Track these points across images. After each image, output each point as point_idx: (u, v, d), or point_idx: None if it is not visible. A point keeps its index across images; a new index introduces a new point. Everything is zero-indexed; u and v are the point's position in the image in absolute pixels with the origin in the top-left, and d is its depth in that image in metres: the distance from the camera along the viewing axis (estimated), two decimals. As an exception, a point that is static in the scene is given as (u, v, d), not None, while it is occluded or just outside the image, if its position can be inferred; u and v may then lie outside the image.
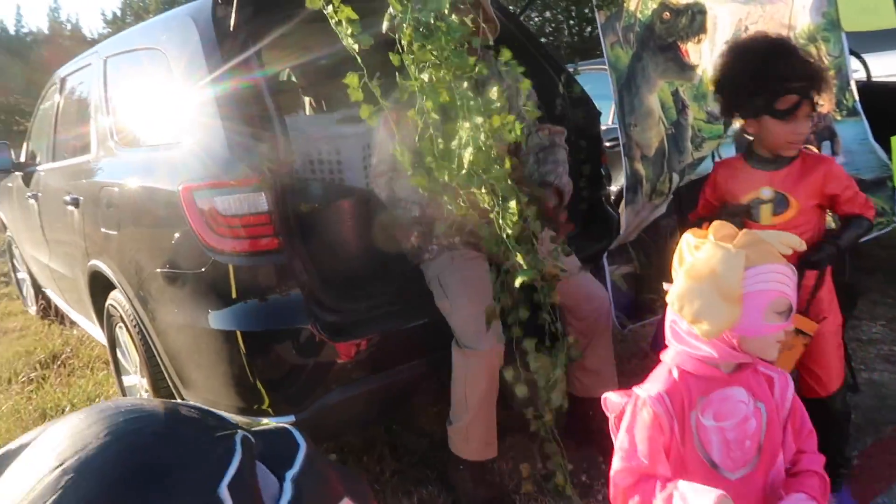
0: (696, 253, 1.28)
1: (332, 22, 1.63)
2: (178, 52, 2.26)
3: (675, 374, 1.33)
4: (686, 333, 1.30)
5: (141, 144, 2.59)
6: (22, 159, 4.26)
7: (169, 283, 2.20)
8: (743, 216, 2.00)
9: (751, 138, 2.08)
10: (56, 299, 4.27)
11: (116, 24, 28.28)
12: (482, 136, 1.60)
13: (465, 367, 2.10)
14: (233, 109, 2.05)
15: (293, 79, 3.67)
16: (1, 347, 4.45)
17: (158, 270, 2.22)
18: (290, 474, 0.48)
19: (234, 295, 2.04)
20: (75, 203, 2.86)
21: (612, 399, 1.38)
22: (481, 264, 2.19)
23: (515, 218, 1.72)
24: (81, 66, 3.34)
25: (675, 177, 2.91)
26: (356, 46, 1.61)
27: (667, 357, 1.37)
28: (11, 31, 30.88)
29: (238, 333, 2.03)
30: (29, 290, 5.11)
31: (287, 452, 0.50)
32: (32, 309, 5.08)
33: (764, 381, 1.38)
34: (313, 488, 0.49)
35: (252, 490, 0.45)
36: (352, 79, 1.63)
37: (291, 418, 2.02)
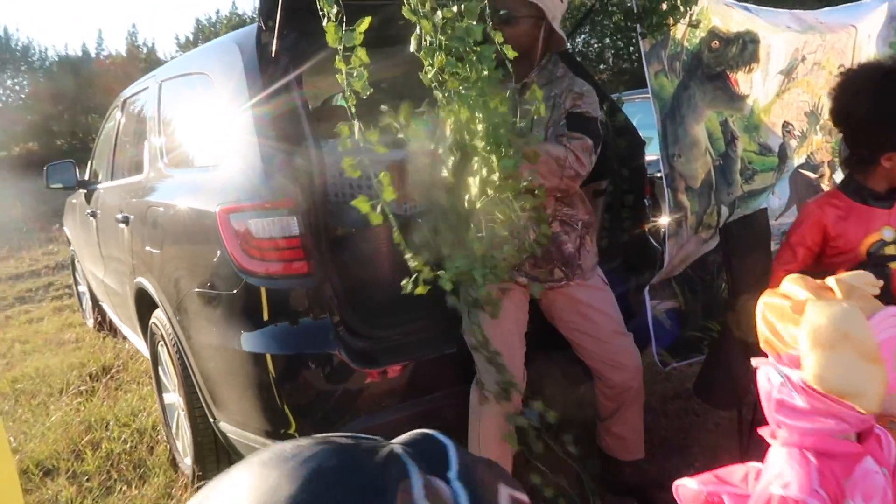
0: (814, 318, 1.11)
1: (339, 58, 1.61)
2: (224, 77, 2.32)
3: (813, 459, 1.13)
4: (811, 409, 1.13)
5: (187, 166, 2.66)
6: (86, 177, 4.45)
7: (204, 303, 2.23)
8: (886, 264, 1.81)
9: (842, 170, 1.94)
10: (110, 313, 4.41)
11: (189, 48, 29.61)
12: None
13: (480, 410, 2.07)
14: (270, 133, 2.08)
15: (340, 102, 3.73)
16: (57, 358, 4.61)
17: (195, 290, 2.26)
18: (451, 475, 0.48)
19: (265, 317, 2.05)
20: (126, 221, 2.95)
21: (688, 487, 1.22)
22: (518, 300, 2.16)
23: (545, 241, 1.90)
24: (141, 89, 3.47)
25: (724, 210, 2.81)
26: (354, 93, 1.60)
27: (784, 440, 1.17)
28: (92, 53, 32.66)
29: (268, 356, 2.04)
30: (87, 304, 5.31)
31: (438, 454, 0.50)
32: (90, 322, 5.27)
33: (876, 442, 1.21)
34: (478, 482, 0.49)
35: (440, 496, 0.46)
36: (343, 129, 1.63)
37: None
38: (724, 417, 2.73)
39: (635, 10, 2.47)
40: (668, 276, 2.71)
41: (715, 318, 2.83)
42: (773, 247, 3.02)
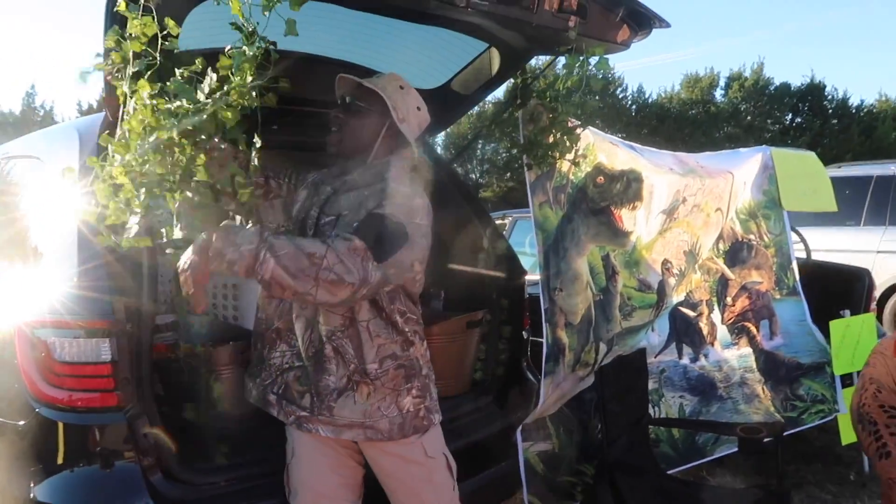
0: None
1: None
2: (55, 164, 2.03)
3: None
4: None
5: (7, 259, 2.30)
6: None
7: (-12, 431, 1.84)
8: None
9: None
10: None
11: (91, 115, 28.42)
12: None
13: None
14: (95, 232, 1.79)
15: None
16: None
17: (-19, 414, 1.87)
18: None
19: (59, 459, 1.69)
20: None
21: None
22: (323, 447, 1.81)
23: None
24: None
25: (603, 347, 2.71)
26: None
27: None
28: (-17, 110, 30.88)
29: (56, 508, 1.67)
30: None
31: None
32: None
33: None
34: None
35: None
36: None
37: None
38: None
39: (521, 141, 2.42)
40: (543, 416, 2.55)
41: (590, 461, 2.67)
42: (651, 385, 2.95)
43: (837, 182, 5.48)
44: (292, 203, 1.92)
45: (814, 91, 24.03)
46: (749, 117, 24.25)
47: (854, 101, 24.20)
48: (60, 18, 45.43)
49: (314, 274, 1.47)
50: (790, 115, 24.62)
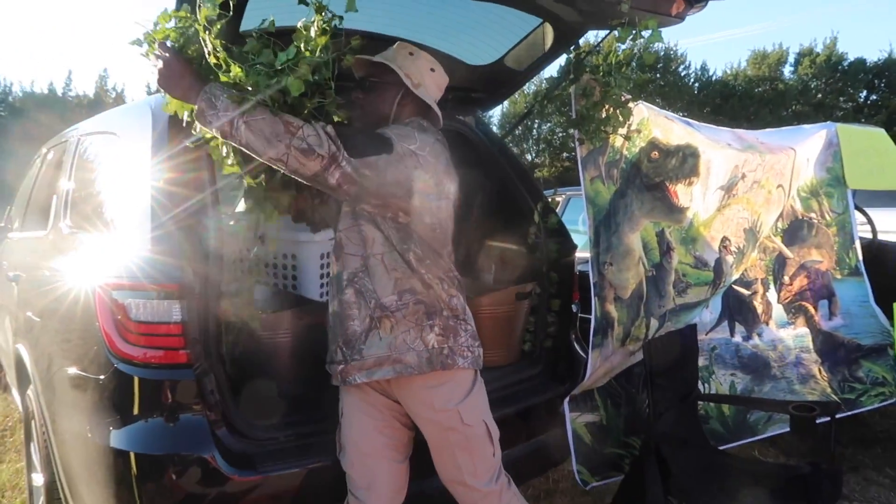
0: None
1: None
2: (130, 140, 2.17)
3: None
4: None
5: (85, 229, 2.46)
6: (1, 223, 4.18)
7: (72, 385, 2.00)
8: None
9: None
10: (6, 368, 4.06)
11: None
12: None
13: None
14: (168, 205, 1.91)
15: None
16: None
17: (65, 369, 2.03)
18: None
19: (135, 410, 1.83)
20: (16, 279, 2.71)
21: None
22: (369, 401, 1.89)
23: None
24: (62, 140, 3.28)
25: (654, 322, 2.72)
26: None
27: None
28: (59, 92, 32.20)
29: (132, 454, 1.80)
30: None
31: None
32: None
33: None
34: None
35: None
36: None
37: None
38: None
39: (574, 116, 2.43)
40: (591, 388, 2.58)
41: (637, 434, 2.69)
42: (701, 363, 2.94)
43: (910, 160, 5.26)
44: None
45: (891, 67, 22.83)
46: (819, 95, 23.25)
47: (935, 77, 22.90)
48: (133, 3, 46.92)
49: (288, 141, 1.62)
50: (865, 93, 23.50)
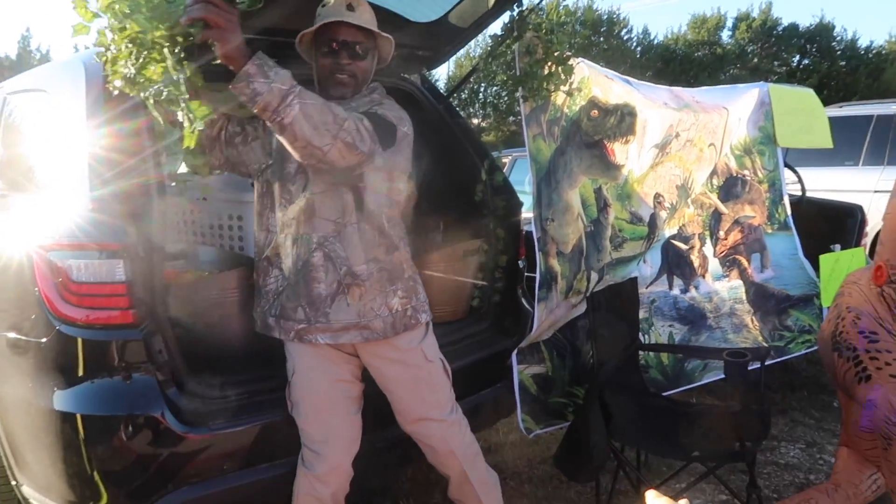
0: None
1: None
2: (62, 97, 2.09)
3: None
4: None
5: (20, 190, 2.38)
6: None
7: (12, 350, 1.95)
8: None
9: None
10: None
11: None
12: None
13: (296, 485, 1.93)
14: (105, 162, 1.86)
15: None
16: None
17: (4, 334, 1.98)
18: None
19: (79, 372, 1.81)
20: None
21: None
22: (323, 357, 1.93)
23: None
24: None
25: (594, 275, 2.81)
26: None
27: None
28: (-23, 54, 30.35)
29: (78, 416, 1.79)
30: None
31: None
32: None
33: None
34: None
35: None
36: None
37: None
38: (588, 485, 2.67)
39: (517, 73, 2.46)
40: (537, 340, 2.66)
41: (581, 384, 2.80)
42: (642, 315, 3.06)
43: (838, 122, 5.49)
44: (269, 141, 1.97)
45: (822, 32, 23.58)
46: (756, 59, 23.87)
47: (863, 43, 23.82)
48: (52, -41, 44.28)
49: (335, 132, 1.56)
50: (798, 57, 24.22)
